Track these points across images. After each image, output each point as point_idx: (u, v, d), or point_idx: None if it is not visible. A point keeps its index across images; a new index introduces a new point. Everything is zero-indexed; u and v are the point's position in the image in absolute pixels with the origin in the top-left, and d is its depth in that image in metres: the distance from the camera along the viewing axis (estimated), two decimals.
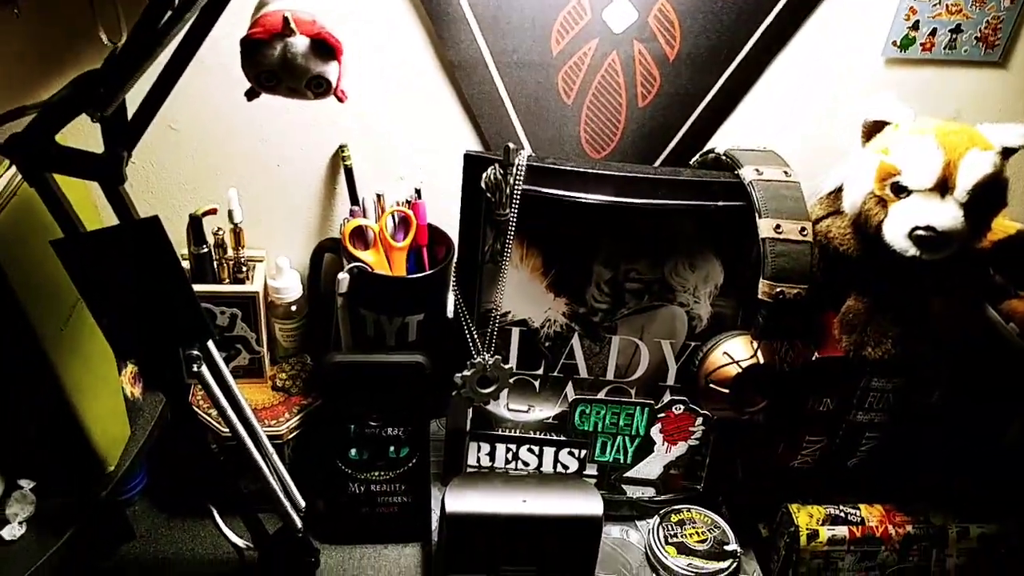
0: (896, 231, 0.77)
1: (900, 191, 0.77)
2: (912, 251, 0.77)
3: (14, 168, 0.77)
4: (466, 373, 0.90)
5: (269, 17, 0.67)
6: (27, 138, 0.63)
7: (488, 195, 0.83)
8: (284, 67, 0.66)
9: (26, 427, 0.79)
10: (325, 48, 0.66)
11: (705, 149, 0.94)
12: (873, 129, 0.82)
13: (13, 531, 0.79)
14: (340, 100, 0.70)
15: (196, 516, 0.99)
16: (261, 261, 0.97)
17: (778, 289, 0.82)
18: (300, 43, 0.65)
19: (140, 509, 1.01)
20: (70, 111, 0.62)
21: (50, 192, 0.66)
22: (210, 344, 0.80)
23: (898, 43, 0.96)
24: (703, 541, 0.96)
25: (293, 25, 0.65)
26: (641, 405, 0.97)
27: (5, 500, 0.81)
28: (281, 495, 0.88)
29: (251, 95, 0.70)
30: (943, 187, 0.75)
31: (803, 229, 0.82)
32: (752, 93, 0.98)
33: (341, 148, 0.95)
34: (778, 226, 0.82)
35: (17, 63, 0.85)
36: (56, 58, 0.85)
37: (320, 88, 0.68)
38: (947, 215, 0.75)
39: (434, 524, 0.97)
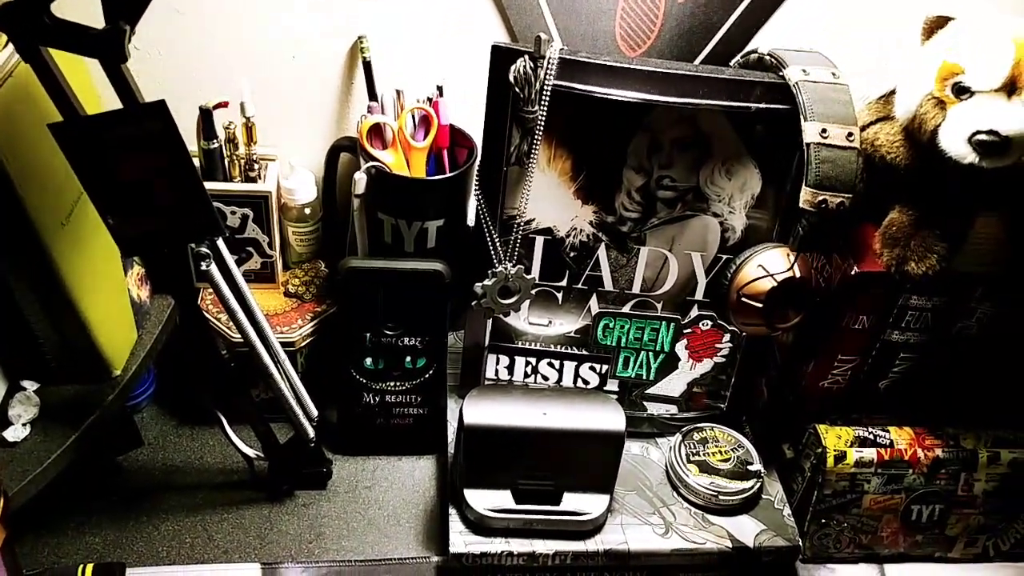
0: (955, 135, 0.72)
1: (962, 92, 0.72)
2: (971, 157, 0.72)
3: (10, 49, 0.72)
4: (487, 282, 0.86)
5: None
6: (22, 8, 0.58)
7: (516, 90, 0.77)
8: None
9: (28, 325, 0.76)
10: None
11: (747, 50, 0.87)
12: (936, 25, 0.76)
13: (16, 432, 0.77)
14: None
15: (206, 424, 0.97)
16: (274, 160, 0.92)
17: (821, 198, 0.77)
18: None
19: (148, 416, 0.99)
20: None
21: (47, 69, 0.61)
22: (220, 243, 0.76)
23: None
24: (726, 460, 0.93)
25: None
26: (667, 320, 0.93)
27: (8, 401, 0.79)
28: (293, 403, 0.86)
29: None
30: (1011, 88, 0.70)
31: (850, 134, 0.77)
32: None
33: (360, 39, 0.88)
34: (824, 130, 0.77)
35: None
36: None
37: None
38: (1014, 118, 0.69)
39: (450, 437, 0.95)
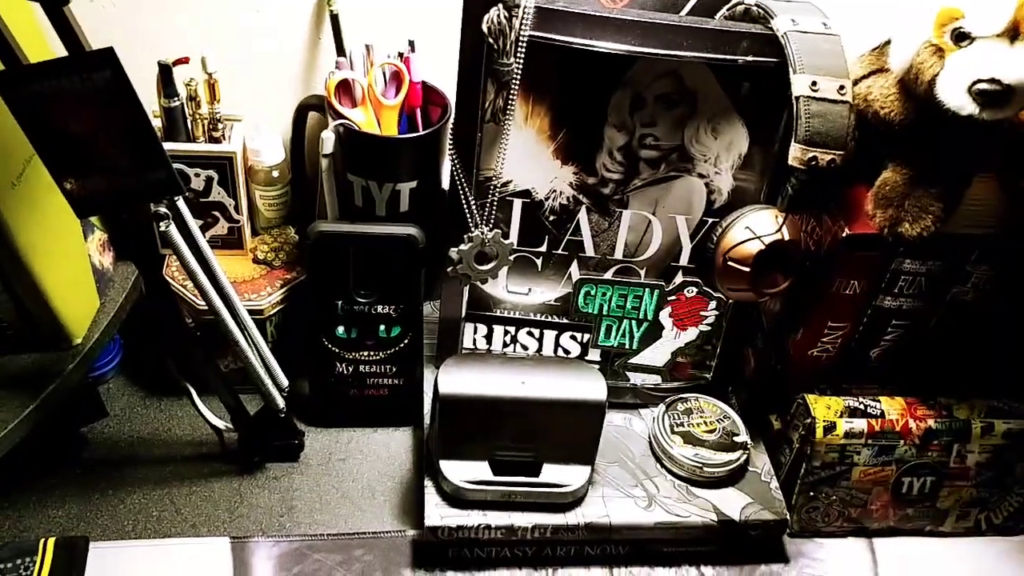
0: (954, 85, 0.68)
1: (962, 39, 0.68)
2: (970, 108, 0.68)
3: None
4: (462, 247, 0.83)
5: None
6: None
7: (490, 41, 0.73)
8: None
9: None
10: None
11: (734, 1, 0.83)
12: None
13: None
14: None
15: (174, 395, 0.94)
16: (239, 121, 0.88)
17: (811, 155, 0.73)
18: None
19: (115, 386, 0.95)
20: None
21: None
22: (181, 203, 0.72)
23: None
24: (711, 431, 0.91)
25: None
26: (651, 287, 0.90)
27: None
28: (262, 373, 0.82)
29: None
30: (1014, 33, 0.66)
31: (842, 87, 0.73)
32: None
33: None
34: (814, 83, 0.73)
35: None
36: None
37: None
38: (1017, 65, 0.65)
39: (426, 408, 0.92)
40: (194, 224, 0.73)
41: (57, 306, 0.75)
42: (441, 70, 0.84)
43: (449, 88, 0.83)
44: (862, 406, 0.88)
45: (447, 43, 0.77)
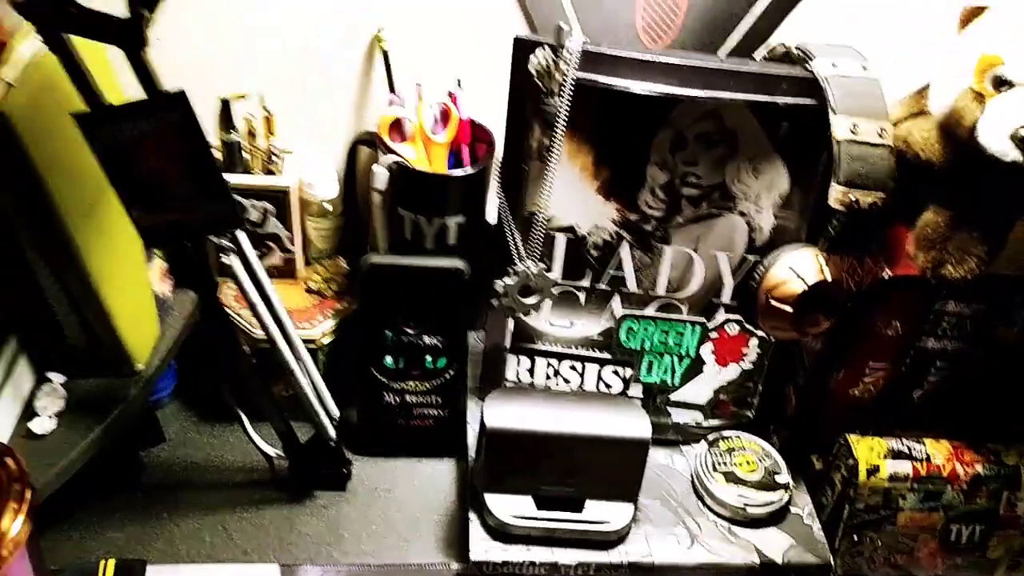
0: (995, 130, 0.69)
1: (1002, 84, 0.69)
2: (1013, 155, 0.68)
3: (34, 37, 0.73)
4: (507, 281, 0.85)
5: None
6: None
7: (537, 82, 0.76)
8: None
9: (53, 316, 0.77)
10: None
11: (773, 43, 0.85)
12: (971, 15, 0.73)
13: (44, 425, 0.77)
14: None
15: (226, 421, 0.97)
16: (290, 153, 0.92)
17: (852, 197, 0.74)
18: None
19: (170, 411, 0.99)
20: None
21: (70, 58, 0.62)
22: (242, 236, 0.76)
23: None
24: (753, 471, 0.90)
25: None
26: (692, 323, 0.91)
27: (35, 393, 0.79)
28: (315, 402, 0.85)
29: None
30: None
31: (882, 130, 0.75)
32: None
33: (378, 31, 0.89)
34: (855, 126, 0.74)
35: None
36: None
37: None
38: None
39: (470, 440, 0.93)
40: (254, 255, 0.76)
41: (123, 332, 0.79)
42: (488, 108, 0.88)
43: (495, 125, 0.86)
44: (906, 449, 0.87)
45: (494, 82, 0.81)
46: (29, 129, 0.65)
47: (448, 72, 0.88)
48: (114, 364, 0.82)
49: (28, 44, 0.70)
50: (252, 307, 0.76)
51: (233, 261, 0.73)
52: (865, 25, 0.91)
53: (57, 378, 0.81)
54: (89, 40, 0.61)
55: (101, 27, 0.60)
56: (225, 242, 0.73)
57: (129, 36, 0.60)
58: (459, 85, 0.87)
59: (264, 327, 0.79)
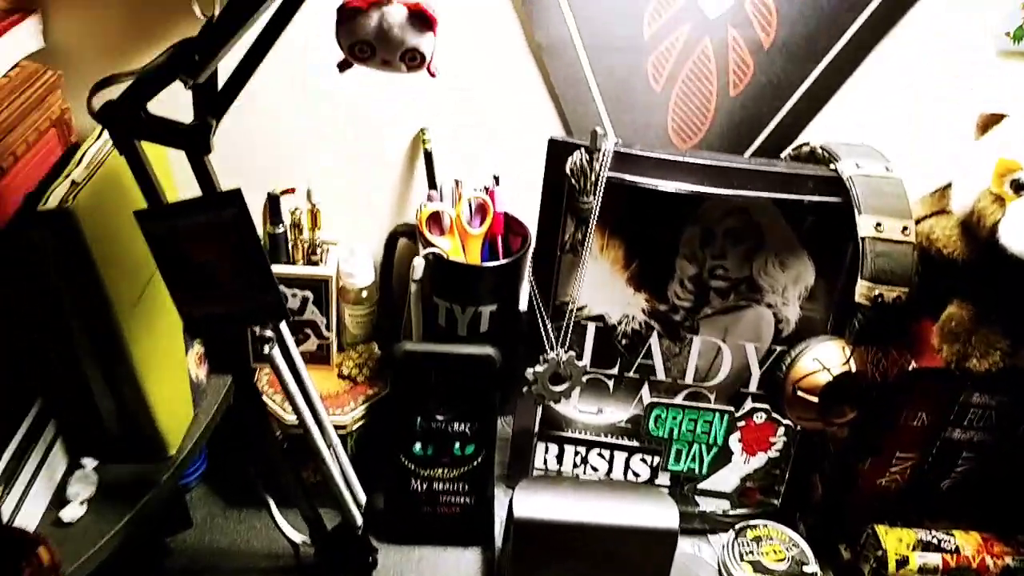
0: (1016, 232, 0.72)
1: (1020, 188, 0.72)
2: None
3: (102, 139, 0.77)
4: (538, 369, 0.87)
5: None
6: (122, 105, 0.62)
7: (572, 181, 0.79)
8: (380, 37, 0.64)
9: (92, 402, 0.78)
10: (422, 19, 0.64)
11: (798, 142, 0.89)
12: (990, 122, 0.77)
13: (73, 512, 0.77)
14: (431, 75, 0.68)
15: (253, 506, 0.97)
16: (335, 244, 0.95)
17: (877, 292, 0.77)
18: (397, 13, 0.63)
19: (197, 495, 0.99)
20: (164, 78, 0.61)
21: (139, 161, 0.65)
22: (283, 326, 0.77)
23: (1011, 34, 0.90)
24: (781, 560, 0.90)
25: None
26: (720, 412, 0.92)
27: (67, 478, 0.80)
28: (343, 488, 0.85)
29: (343, 66, 0.68)
30: None
31: (905, 228, 0.77)
32: (849, 84, 0.93)
33: (421, 131, 0.92)
34: (879, 224, 0.77)
35: (116, 36, 0.85)
36: (151, 32, 0.85)
37: (414, 61, 0.66)
38: None
39: (496, 529, 0.93)
40: (293, 346, 0.78)
41: (160, 419, 0.80)
42: (523, 202, 0.91)
43: (529, 218, 0.89)
44: (935, 540, 0.87)
45: (529, 178, 0.84)
46: (91, 226, 0.67)
47: (486, 169, 0.92)
48: (148, 450, 0.82)
49: (96, 144, 0.73)
50: (289, 396, 0.77)
51: (274, 351, 0.74)
52: (887, 127, 0.95)
53: (90, 463, 0.81)
54: None
55: (169, 134, 0.63)
56: (268, 332, 0.74)
57: (195, 142, 0.63)
58: (496, 182, 0.90)
59: (298, 414, 0.79)
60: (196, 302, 0.69)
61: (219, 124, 0.63)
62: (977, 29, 0.91)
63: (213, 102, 0.64)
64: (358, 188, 0.96)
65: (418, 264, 0.86)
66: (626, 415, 0.92)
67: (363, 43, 0.64)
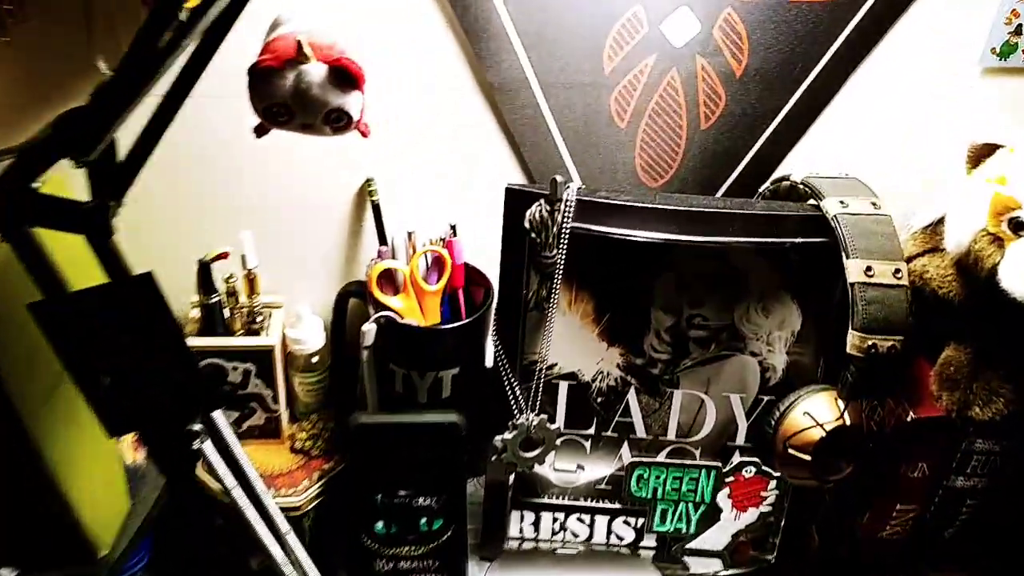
0: (1017, 274, 0.65)
1: (1020, 228, 0.66)
2: None
3: None
4: (507, 436, 0.80)
5: (281, 42, 0.57)
6: (1, 188, 0.54)
7: (532, 235, 0.72)
8: (298, 99, 0.56)
9: (8, 511, 0.70)
10: (345, 77, 0.57)
11: (777, 176, 0.83)
12: (982, 153, 0.71)
13: None
14: (363, 135, 0.61)
15: None
16: (279, 308, 0.87)
17: (870, 342, 0.70)
18: (316, 72, 0.56)
19: None
20: (49, 156, 0.53)
21: (27, 249, 0.57)
22: (218, 416, 0.70)
23: (997, 50, 0.84)
24: None
25: (308, 50, 0.55)
26: (707, 468, 0.85)
27: None
28: None
29: (260, 131, 0.60)
30: None
31: (898, 271, 0.71)
32: (829, 111, 0.87)
33: (367, 182, 0.85)
34: (869, 268, 0.71)
35: (9, 93, 0.76)
36: (52, 89, 0.76)
37: (340, 123, 0.58)
38: None
39: None
40: (231, 433, 0.70)
41: (87, 519, 0.72)
42: (484, 250, 0.83)
43: (491, 268, 0.81)
44: None
45: (489, 224, 0.77)
46: None
47: (442, 218, 0.84)
48: (76, 553, 0.74)
49: None
50: (226, 491, 0.70)
51: (206, 446, 0.66)
52: (870, 157, 0.89)
53: (9, 573, 0.73)
54: None
55: (62, 218, 0.55)
56: (196, 427, 0.66)
57: (93, 226, 0.55)
58: (453, 232, 0.83)
59: (238, 510, 0.72)
60: (110, 400, 0.62)
61: (120, 204, 0.55)
62: (960, 48, 0.85)
63: (112, 179, 0.56)
64: (302, 246, 0.88)
65: (368, 330, 0.79)
66: (607, 471, 0.85)
67: (279, 106, 0.56)
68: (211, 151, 0.82)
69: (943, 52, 0.85)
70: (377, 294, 0.80)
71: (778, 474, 0.85)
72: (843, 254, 0.71)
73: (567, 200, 0.72)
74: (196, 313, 0.83)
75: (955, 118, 0.87)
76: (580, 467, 0.86)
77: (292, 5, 0.61)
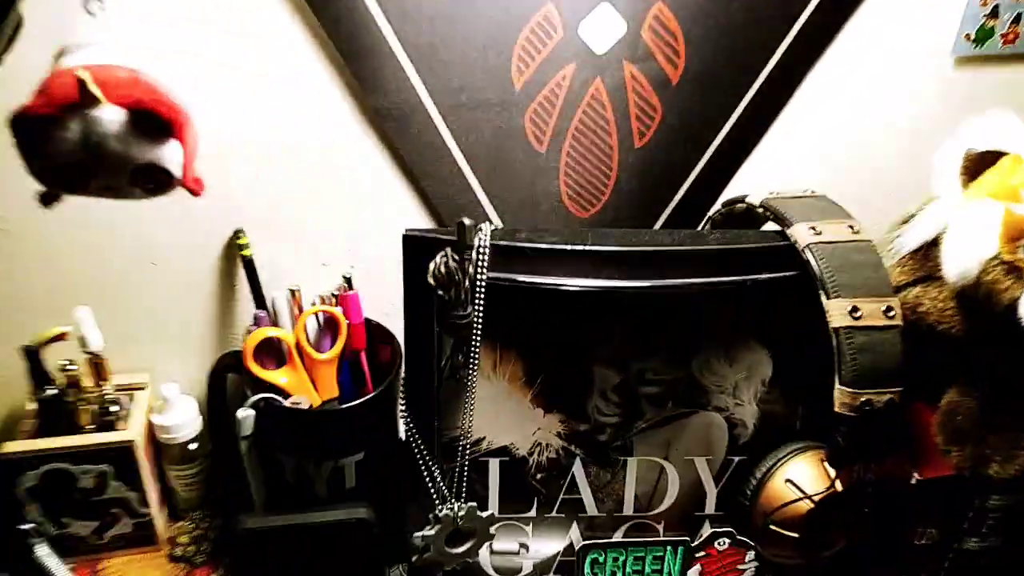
0: None
1: None
2: None
3: None
4: (427, 532, 0.65)
5: (57, 79, 0.42)
6: None
7: (440, 292, 0.58)
8: (90, 156, 0.41)
9: None
10: (154, 122, 0.41)
11: (730, 198, 0.69)
12: (979, 164, 0.58)
13: None
14: (194, 193, 0.46)
15: None
16: (142, 389, 0.71)
17: (863, 398, 0.57)
18: (111, 118, 0.41)
19: None
20: None
21: None
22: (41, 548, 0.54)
23: (972, 36, 0.72)
24: None
25: (95, 89, 0.40)
26: (673, 544, 0.72)
27: None
28: None
29: (47, 200, 0.44)
30: None
31: (889, 309, 0.58)
32: (783, 118, 0.75)
33: (236, 234, 0.69)
34: (855, 309, 0.57)
35: None
36: None
37: (152, 184, 0.43)
38: None
39: None
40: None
41: None
42: (392, 303, 0.69)
43: (398, 322, 0.67)
44: None
45: (395, 273, 0.61)
46: None
47: (334, 271, 0.69)
48: None
49: None
50: None
51: None
52: (835, 170, 0.77)
53: None
54: None
55: None
56: None
57: None
58: (348, 286, 0.68)
59: None
60: None
61: None
62: (931, 35, 0.73)
63: None
64: (164, 315, 0.72)
65: (244, 417, 0.63)
66: (558, 547, 0.71)
67: (66, 167, 0.41)
68: (37, 213, 0.66)
69: (911, 42, 0.73)
70: (255, 369, 0.65)
71: (755, 545, 0.72)
72: (821, 292, 0.58)
73: (479, 247, 0.57)
74: (32, 407, 0.67)
75: (930, 118, 0.75)
76: (524, 547, 0.72)
77: (93, 25, 0.46)
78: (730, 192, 0.76)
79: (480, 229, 0.58)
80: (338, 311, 0.68)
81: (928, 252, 0.61)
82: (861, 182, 0.75)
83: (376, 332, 0.72)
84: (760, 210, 0.65)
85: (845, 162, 0.77)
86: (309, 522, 0.65)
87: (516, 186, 0.72)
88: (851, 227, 0.61)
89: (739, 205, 0.67)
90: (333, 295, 0.69)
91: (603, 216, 0.75)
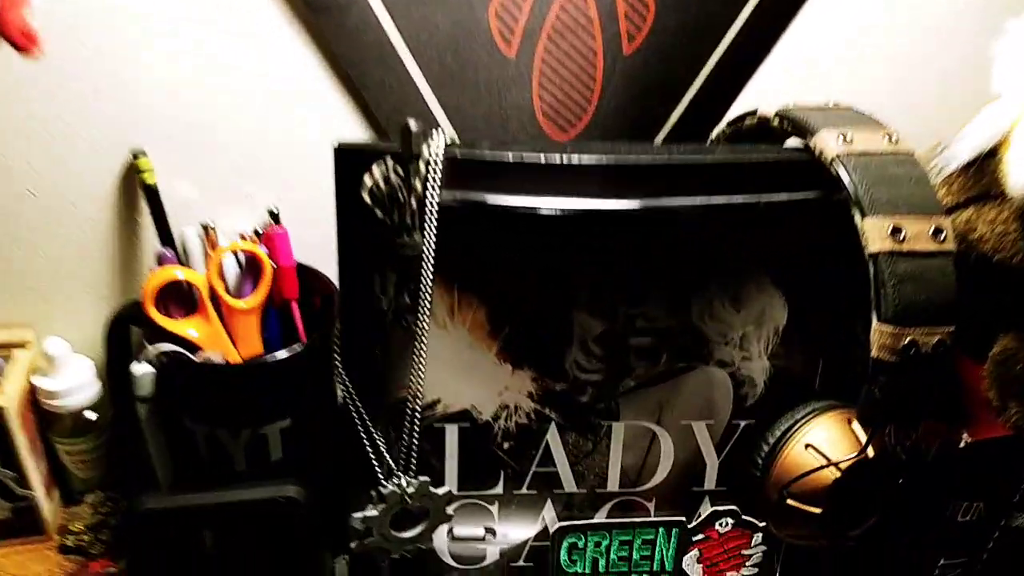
0: None
1: None
2: None
3: None
4: (369, 512, 0.54)
5: None
6: None
7: (379, 213, 0.46)
8: None
9: None
10: None
11: (740, 113, 0.58)
12: None
13: None
14: (23, 50, 0.34)
15: None
16: (23, 347, 0.59)
17: (908, 339, 0.46)
18: None
19: None
20: None
21: None
22: None
23: None
24: None
25: None
26: (666, 525, 0.61)
27: None
28: None
29: None
30: None
31: (939, 231, 0.47)
32: (802, 17, 0.62)
33: (135, 157, 0.57)
34: (896, 229, 0.46)
35: None
36: None
37: None
38: None
39: None
40: None
41: None
42: (328, 243, 0.57)
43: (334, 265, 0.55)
44: None
45: (328, 204, 0.50)
46: None
47: (257, 202, 0.57)
48: None
49: None
50: None
51: None
52: (872, 77, 0.65)
53: None
54: None
55: None
56: None
57: None
58: (275, 220, 0.56)
59: None
60: None
61: None
62: None
63: None
64: (46, 257, 0.59)
65: (141, 374, 0.51)
66: (530, 532, 0.61)
67: None
68: None
69: None
70: (156, 317, 0.53)
71: (764, 525, 0.61)
72: (856, 211, 0.47)
73: (431, 158, 0.46)
74: None
75: (974, 13, 0.64)
76: (489, 531, 0.61)
77: None
78: (738, 110, 0.65)
79: (431, 136, 0.46)
80: (262, 250, 0.56)
81: (983, 165, 0.50)
82: (893, 97, 0.63)
83: (313, 281, 0.60)
84: (776, 122, 0.53)
85: (877, 71, 0.66)
86: (225, 501, 0.54)
87: (477, 98, 0.60)
88: (888, 136, 0.50)
89: (749, 119, 0.56)
90: (256, 232, 0.57)
91: (586, 138, 0.63)
